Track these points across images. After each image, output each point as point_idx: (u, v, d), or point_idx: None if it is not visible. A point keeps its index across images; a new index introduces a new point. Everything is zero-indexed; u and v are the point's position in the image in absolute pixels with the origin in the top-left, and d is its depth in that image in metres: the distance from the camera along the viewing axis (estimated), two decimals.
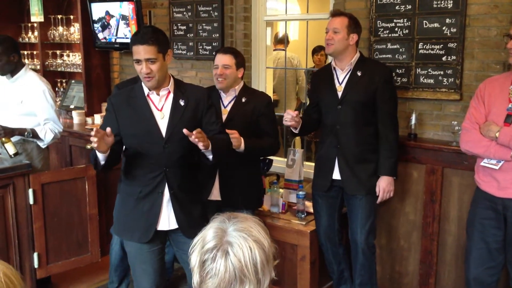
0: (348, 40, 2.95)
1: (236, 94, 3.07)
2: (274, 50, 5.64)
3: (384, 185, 3.00)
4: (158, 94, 2.46)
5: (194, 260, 1.36)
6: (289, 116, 2.91)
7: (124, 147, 2.54)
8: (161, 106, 2.46)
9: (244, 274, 1.29)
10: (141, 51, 2.33)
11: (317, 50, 5.80)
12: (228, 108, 3.06)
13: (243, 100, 3.06)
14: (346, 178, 3.04)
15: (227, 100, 3.08)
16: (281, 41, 5.62)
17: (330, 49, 2.97)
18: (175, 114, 2.45)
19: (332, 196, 3.16)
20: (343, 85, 3.02)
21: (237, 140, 2.85)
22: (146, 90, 2.46)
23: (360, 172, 3.02)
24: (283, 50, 5.48)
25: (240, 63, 3.06)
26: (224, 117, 3.04)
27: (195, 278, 1.35)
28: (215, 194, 3.05)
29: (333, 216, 3.20)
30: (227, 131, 2.78)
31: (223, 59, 3.01)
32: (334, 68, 3.07)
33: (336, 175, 3.07)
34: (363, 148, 3.02)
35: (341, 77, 3.04)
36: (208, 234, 1.36)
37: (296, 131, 3.06)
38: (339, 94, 3.02)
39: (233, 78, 3.02)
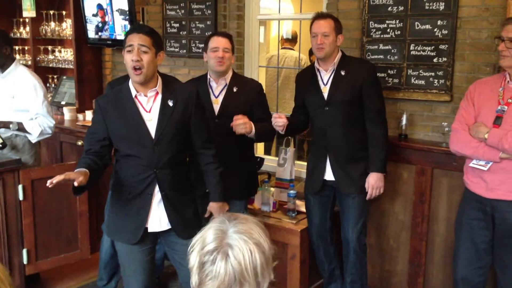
0: (337, 42, 2.97)
1: (227, 83, 3.05)
2: (282, 48, 5.58)
3: (373, 182, 3.01)
4: (146, 95, 2.41)
5: (193, 260, 1.35)
6: (280, 123, 2.93)
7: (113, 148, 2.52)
8: (150, 107, 2.42)
9: (243, 277, 1.29)
10: (136, 38, 2.31)
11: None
12: (220, 99, 3.04)
13: (235, 89, 3.04)
14: (339, 178, 3.04)
15: (218, 90, 3.05)
16: (289, 40, 5.56)
17: (322, 53, 2.94)
18: (164, 115, 2.41)
19: (325, 196, 3.17)
20: (328, 86, 3.01)
21: (248, 126, 2.86)
22: (133, 92, 2.41)
23: (352, 171, 3.03)
24: (291, 49, 5.46)
25: (233, 48, 3.08)
26: (216, 107, 3.02)
27: (194, 279, 1.35)
28: None
29: (326, 215, 3.21)
30: (237, 117, 2.81)
31: (223, 42, 2.98)
32: (318, 69, 3.06)
33: (329, 175, 3.08)
34: (353, 147, 3.03)
35: (326, 78, 3.03)
36: (208, 235, 1.35)
37: (283, 132, 3.03)
38: (325, 95, 3.01)
39: (230, 63, 3.03)
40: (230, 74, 3.07)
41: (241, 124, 2.85)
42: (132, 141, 2.40)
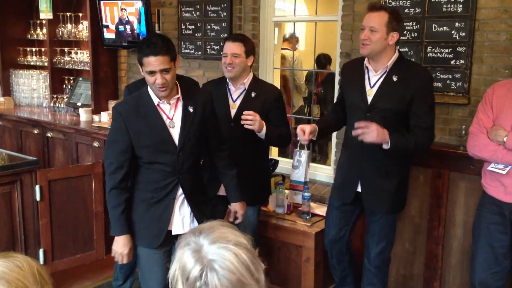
0: (387, 40, 2.60)
1: (246, 88, 3.02)
2: (281, 49, 5.59)
3: (380, 130, 2.57)
4: (168, 103, 2.41)
5: None
6: (304, 137, 2.74)
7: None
8: (172, 115, 2.43)
9: (243, 282, 1.23)
10: (155, 62, 2.25)
11: (321, 59, 5.45)
12: (237, 103, 3.01)
13: (253, 95, 3.00)
14: (367, 193, 2.81)
15: (236, 94, 3.03)
16: (287, 41, 5.59)
17: (365, 50, 2.62)
18: (186, 122, 2.43)
19: (349, 210, 2.97)
20: (375, 89, 2.69)
21: (257, 124, 2.80)
22: (155, 100, 2.40)
23: (383, 187, 2.78)
24: (289, 49, 5.47)
25: (249, 50, 2.98)
26: (233, 112, 3.00)
27: None
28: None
29: (345, 229, 3.02)
30: (247, 112, 2.80)
31: (232, 48, 2.93)
32: (367, 67, 2.74)
33: (359, 187, 2.85)
34: (388, 161, 2.74)
35: (374, 79, 2.72)
36: (186, 262, 1.25)
37: (315, 138, 2.84)
38: (369, 99, 2.70)
39: (242, 67, 2.96)
40: (250, 78, 3.02)
41: (249, 120, 2.79)
42: (156, 149, 2.41)
